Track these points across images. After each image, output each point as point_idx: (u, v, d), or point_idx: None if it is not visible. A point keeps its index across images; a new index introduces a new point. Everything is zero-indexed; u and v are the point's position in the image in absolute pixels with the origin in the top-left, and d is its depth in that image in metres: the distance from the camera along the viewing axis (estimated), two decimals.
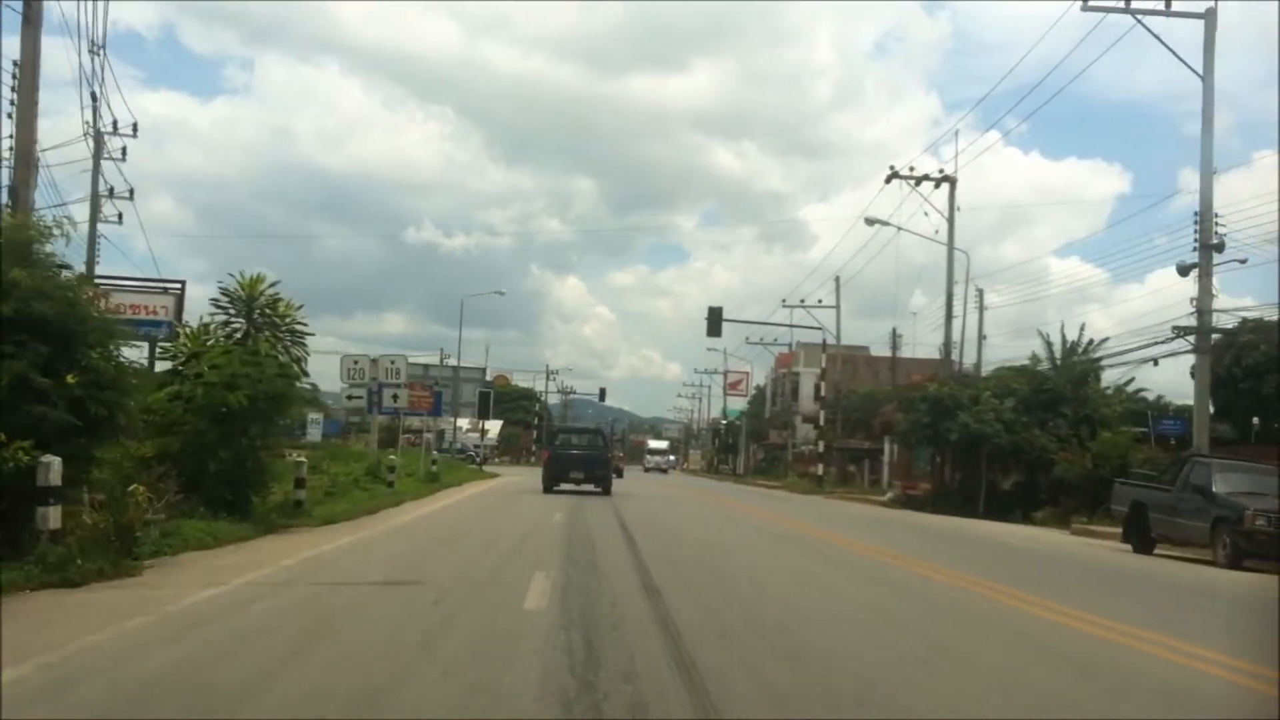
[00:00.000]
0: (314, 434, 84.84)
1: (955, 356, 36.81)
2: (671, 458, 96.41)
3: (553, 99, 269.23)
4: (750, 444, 75.68)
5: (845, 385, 75.10)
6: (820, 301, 51.96)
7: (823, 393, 45.66)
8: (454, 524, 16.28)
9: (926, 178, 37.20)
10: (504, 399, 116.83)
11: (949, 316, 36.74)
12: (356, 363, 25.71)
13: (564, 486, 25.98)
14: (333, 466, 24.94)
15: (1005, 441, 28.13)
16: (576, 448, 28.22)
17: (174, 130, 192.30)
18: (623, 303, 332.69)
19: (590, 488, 25.95)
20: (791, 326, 49.09)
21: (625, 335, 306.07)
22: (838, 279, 52.28)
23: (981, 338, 34.41)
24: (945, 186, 37.02)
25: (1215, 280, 21.65)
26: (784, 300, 52.12)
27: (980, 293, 34.82)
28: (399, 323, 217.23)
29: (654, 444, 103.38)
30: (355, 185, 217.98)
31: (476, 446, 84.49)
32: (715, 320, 44.24)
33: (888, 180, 37.83)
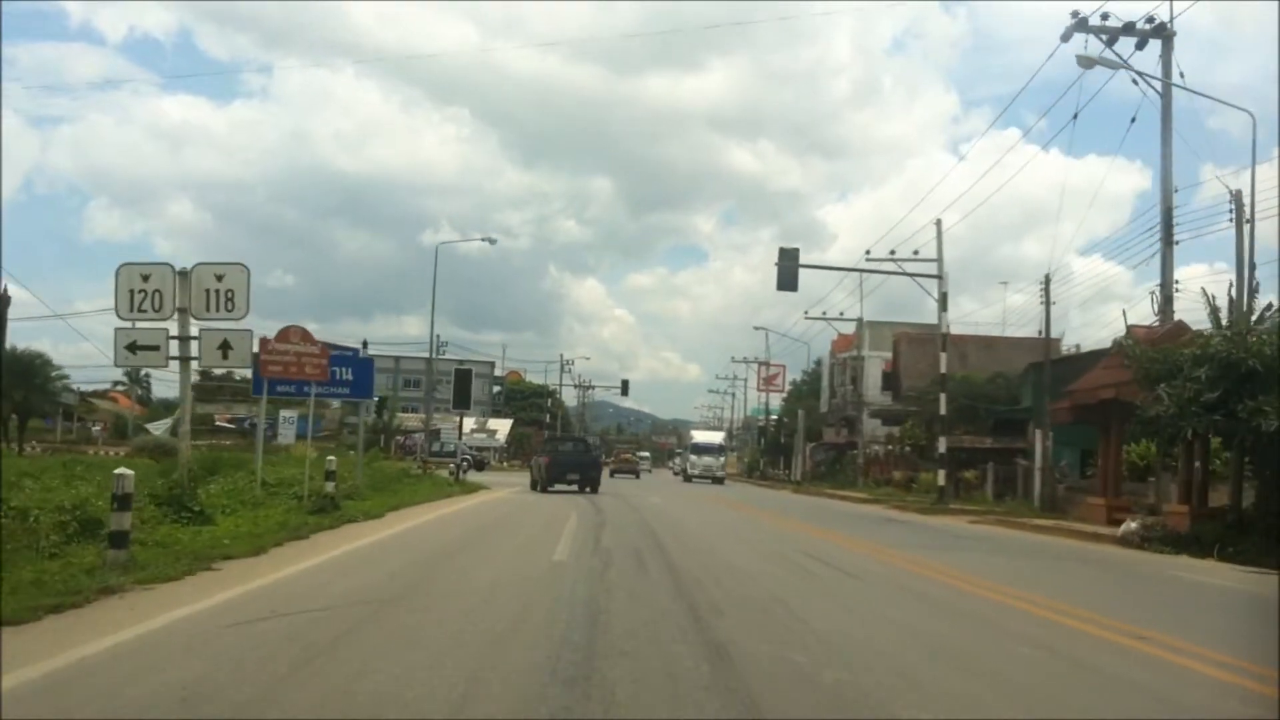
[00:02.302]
0: (286, 434, 71.62)
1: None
2: (723, 458, 62.12)
3: (569, 100, 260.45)
4: (805, 444, 62.47)
5: (915, 369, 61.88)
6: (916, 253, 38.93)
7: (942, 367, 32.33)
8: None
9: (1131, 28, 24.18)
10: (517, 396, 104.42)
11: (1169, 239, 23.62)
12: (147, 279, 12.86)
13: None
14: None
15: None
16: (572, 454, 31.16)
17: (192, 134, 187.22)
18: (641, 304, 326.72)
19: (584, 492, 28.07)
20: (889, 275, 35.80)
21: (645, 337, 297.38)
22: (939, 223, 39.16)
23: (1248, 268, 21.07)
24: (1154, 43, 24.13)
25: None
26: (867, 252, 39.00)
27: (1237, 199, 21.58)
28: (418, 325, 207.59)
29: (702, 436, 67.00)
30: (372, 187, 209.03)
31: (475, 449, 71.67)
32: (789, 267, 31.16)
33: (1066, 37, 24.80)
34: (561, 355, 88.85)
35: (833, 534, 17.00)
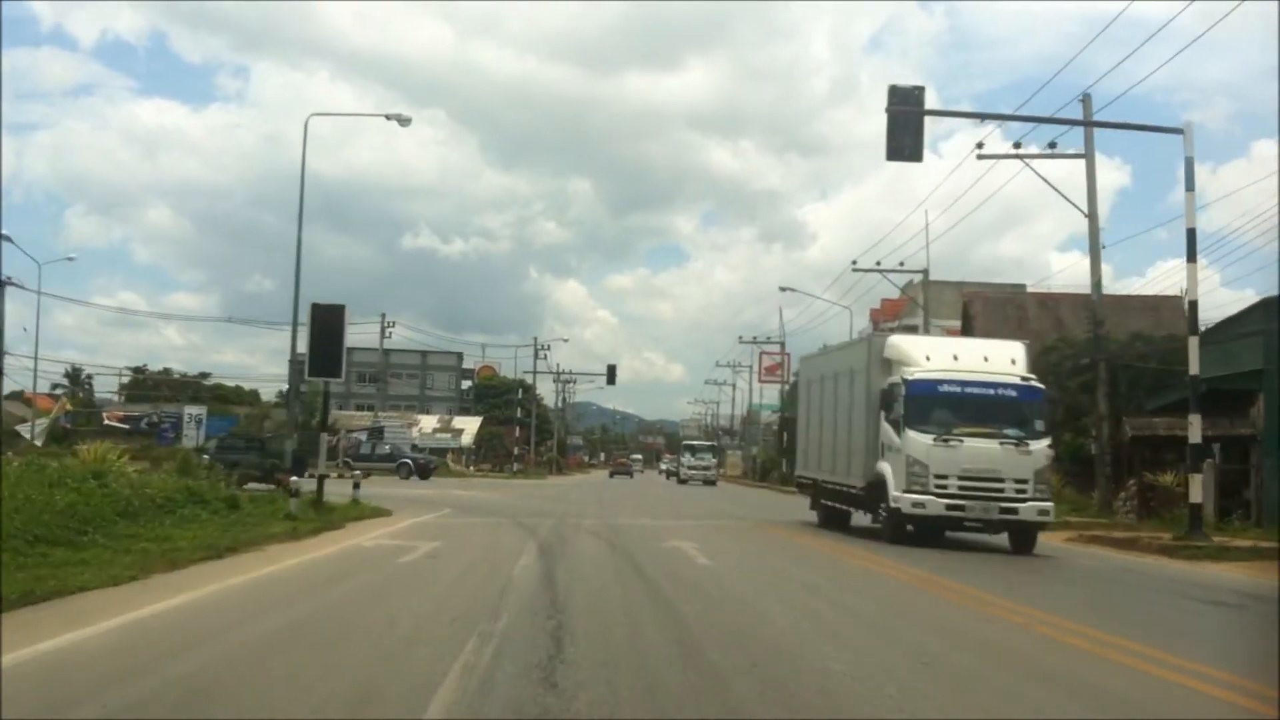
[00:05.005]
0: (192, 437, 59.78)
1: None
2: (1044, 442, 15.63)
3: (547, 100, 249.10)
4: None
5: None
6: (1053, 145, 25.41)
7: (1193, 292, 18.29)
8: None
9: None
10: (490, 394, 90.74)
11: None
12: None
13: None
14: None
15: None
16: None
17: (168, 139, 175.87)
18: (624, 305, 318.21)
19: None
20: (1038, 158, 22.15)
21: (627, 338, 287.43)
22: (1087, 97, 25.61)
23: None
24: None
25: None
26: (979, 145, 25.39)
27: None
28: (399, 330, 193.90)
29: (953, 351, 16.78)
30: (350, 191, 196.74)
31: (426, 452, 57.67)
32: (906, 117, 17.36)
33: None
34: (535, 339, 74.20)
35: None
